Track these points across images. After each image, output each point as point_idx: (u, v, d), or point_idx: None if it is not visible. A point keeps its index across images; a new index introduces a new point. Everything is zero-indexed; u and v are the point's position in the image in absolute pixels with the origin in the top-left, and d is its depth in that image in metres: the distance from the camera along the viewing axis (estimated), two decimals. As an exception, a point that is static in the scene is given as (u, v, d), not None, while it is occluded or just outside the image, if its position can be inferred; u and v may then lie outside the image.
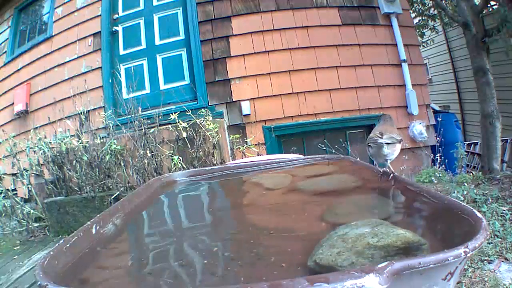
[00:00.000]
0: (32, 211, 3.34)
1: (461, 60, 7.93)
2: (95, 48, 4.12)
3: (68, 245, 0.67)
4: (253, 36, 3.87)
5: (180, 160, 3.03)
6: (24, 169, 3.45)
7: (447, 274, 0.51)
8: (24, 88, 4.47)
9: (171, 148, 3.20)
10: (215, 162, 3.11)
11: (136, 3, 4.16)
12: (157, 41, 4.08)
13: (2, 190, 3.39)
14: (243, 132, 3.71)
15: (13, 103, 4.57)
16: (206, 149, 3.15)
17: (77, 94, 3.89)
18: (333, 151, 3.58)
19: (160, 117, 3.35)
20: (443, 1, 5.47)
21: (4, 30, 5.03)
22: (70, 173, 3.22)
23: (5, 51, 4.91)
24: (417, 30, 6.52)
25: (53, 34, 4.44)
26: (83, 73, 4.13)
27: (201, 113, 3.28)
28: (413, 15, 6.09)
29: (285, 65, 3.83)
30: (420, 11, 6.60)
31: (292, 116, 3.81)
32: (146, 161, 3.07)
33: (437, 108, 5.91)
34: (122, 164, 3.16)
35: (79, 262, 0.67)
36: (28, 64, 4.59)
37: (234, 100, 3.78)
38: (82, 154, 3.17)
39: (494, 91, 4.05)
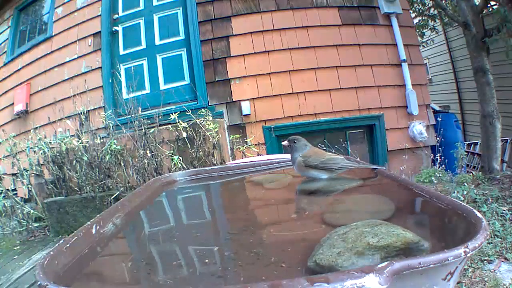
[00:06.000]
0: (32, 211, 3.34)
1: (461, 60, 7.92)
2: (95, 48, 4.12)
3: (68, 245, 0.66)
4: (253, 36, 3.87)
5: (180, 160, 3.03)
6: (24, 169, 3.45)
7: (447, 274, 0.51)
8: (24, 88, 4.47)
9: (171, 148, 3.20)
10: (215, 162, 3.11)
11: (136, 3, 4.16)
12: (157, 41, 4.08)
13: (2, 190, 3.39)
14: (243, 132, 3.71)
15: (13, 103, 4.58)
16: (206, 149, 3.15)
17: (77, 94, 3.90)
18: (333, 151, 3.58)
19: (160, 117, 3.35)
20: (443, 1, 5.46)
21: (4, 30, 5.03)
22: (70, 173, 3.22)
23: (5, 51, 4.92)
24: (417, 30, 6.52)
25: (53, 34, 4.44)
26: (83, 73, 4.14)
27: (201, 113, 3.28)
28: (413, 15, 6.08)
29: (285, 65, 3.83)
30: (420, 11, 6.60)
31: (292, 116, 3.81)
32: (146, 161, 3.07)
33: (437, 108, 5.91)
34: (122, 164, 3.16)
35: (79, 262, 0.67)
36: (28, 64, 4.59)
37: (234, 100, 3.78)
38: (82, 154, 3.17)
39: (494, 91, 4.05)
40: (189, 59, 3.92)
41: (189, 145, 3.16)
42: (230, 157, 3.42)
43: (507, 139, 5.54)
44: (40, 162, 3.48)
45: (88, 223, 0.79)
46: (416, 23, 6.63)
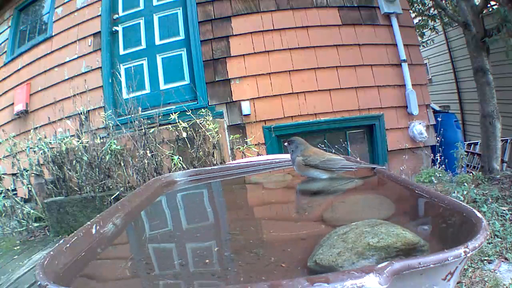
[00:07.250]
0: (32, 211, 3.34)
1: (461, 60, 7.93)
2: (95, 48, 4.12)
3: (68, 245, 0.66)
4: (253, 36, 3.87)
5: (180, 160, 3.03)
6: (24, 169, 3.45)
7: (447, 274, 0.51)
8: (24, 88, 4.47)
9: (171, 148, 3.20)
10: (215, 162, 3.11)
11: (136, 3, 4.16)
12: (157, 41, 4.08)
13: (2, 190, 3.39)
14: (243, 132, 3.71)
15: (13, 103, 4.58)
16: (206, 149, 3.15)
17: (77, 94, 3.90)
18: (333, 151, 3.58)
19: (160, 117, 3.36)
20: (443, 1, 5.46)
21: (4, 30, 5.03)
22: (70, 173, 3.22)
23: (5, 51, 4.92)
24: (417, 30, 6.53)
25: (53, 34, 4.44)
26: (83, 73, 4.14)
27: (201, 113, 3.28)
28: (413, 15, 6.09)
29: (285, 65, 3.83)
30: (420, 11, 6.61)
31: (292, 116, 3.81)
32: (146, 161, 3.07)
33: (437, 108, 5.91)
34: (122, 164, 3.16)
35: (79, 262, 0.67)
36: (28, 64, 4.59)
37: (234, 100, 3.78)
38: (82, 154, 3.17)
39: (494, 91, 4.05)
40: (189, 59, 3.92)
41: (189, 145, 3.16)
42: (230, 157, 3.42)
43: (507, 139, 5.54)
44: (40, 162, 3.48)
45: (88, 223, 0.79)
46: (416, 23, 6.64)
